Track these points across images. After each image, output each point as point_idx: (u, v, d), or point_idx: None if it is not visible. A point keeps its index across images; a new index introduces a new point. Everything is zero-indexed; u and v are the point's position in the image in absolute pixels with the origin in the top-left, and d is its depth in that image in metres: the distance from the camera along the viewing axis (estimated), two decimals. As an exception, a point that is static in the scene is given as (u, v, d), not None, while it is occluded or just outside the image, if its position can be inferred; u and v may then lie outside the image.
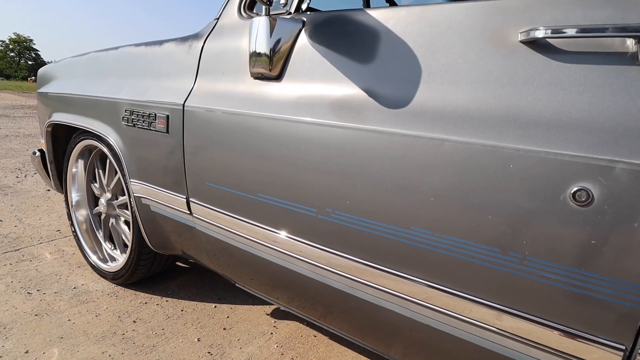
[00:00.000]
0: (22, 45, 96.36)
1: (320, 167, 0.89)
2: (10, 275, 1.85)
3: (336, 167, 0.86)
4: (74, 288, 1.78)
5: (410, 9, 0.83)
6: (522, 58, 0.68)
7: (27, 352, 1.36)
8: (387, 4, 1.59)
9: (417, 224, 0.77)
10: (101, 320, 1.56)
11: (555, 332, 0.67)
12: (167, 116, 1.23)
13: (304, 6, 1.04)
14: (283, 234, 1.00)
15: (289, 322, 1.63)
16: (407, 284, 0.81)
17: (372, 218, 0.83)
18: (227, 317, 1.64)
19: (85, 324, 1.53)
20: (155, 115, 1.26)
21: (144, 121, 1.31)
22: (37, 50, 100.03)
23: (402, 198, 0.78)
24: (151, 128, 1.29)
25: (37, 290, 1.74)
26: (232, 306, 1.73)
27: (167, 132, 1.24)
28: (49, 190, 3.27)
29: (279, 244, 1.02)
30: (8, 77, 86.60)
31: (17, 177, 3.60)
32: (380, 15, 0.87)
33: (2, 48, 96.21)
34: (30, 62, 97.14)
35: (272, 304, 1.75)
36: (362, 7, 1.38)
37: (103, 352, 1.38)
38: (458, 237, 0.73)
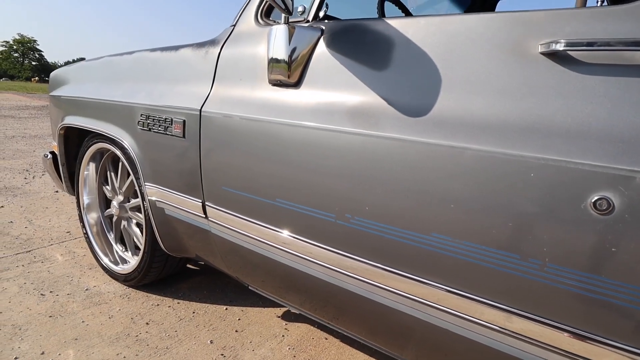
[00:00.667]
0: (26, 46, 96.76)
1: (340, 173, 0.90)
2: (23, 276, 1.87)
3: (356, 173, 0.88)
4: (86, 290, 1.80)
5: (429, 19, 0.85)
6: (543, 69, 0.70)
7: (43, 353, 1.37)
8: (403, 14, 1.61)
9: (437, 230, 0.78)
10: (114, 322, 1.58)
11: (573, 336, 0.68)
12: (184, 121, 1.24)
13: (321, 14, 1.06)
14: (301, 238, 1.02)
15: (299, 324, 1.65)
16: (426, 288, 0.83)
17: (391, 224, 0.84)
18: (239, 319, 1.66)
19: (99, 326, 1.54)
20: (172, 120, 1.28)
21: (159, 126, 1.33)
22: (41, 51, 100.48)
23: (422, 204, 0.79)
24: (167, 133, 1.31)
25: (50, 291, 1.76)
26: (243, 308, 1.74)
27: (184, 136, 1.25)
28: (57, 191, 3.29)
29: (297, 248, 1.04)
30: (12, 78, 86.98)
31: (25, 178, 3.63)
32: (399, 24, 0.88)
33: (5, 49, 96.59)
34: (34, 63, 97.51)
35: (283, 307, 1.76)
36: (377, 16, 1.40)
37: (118, 354, 1.39)
38: (478, 243, 0.74)
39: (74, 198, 3.09)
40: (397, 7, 1.52)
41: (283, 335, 1.57)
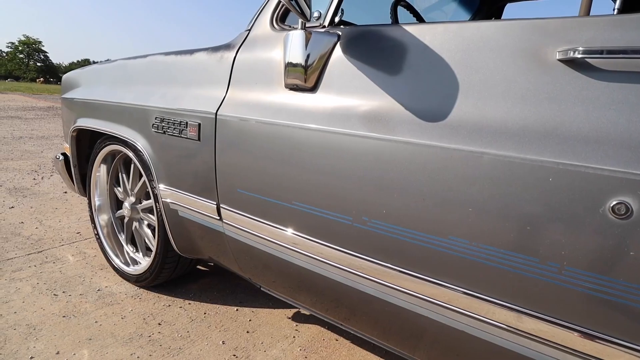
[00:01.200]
0: (31, 47, 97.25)
1: (357, 177, 0.92)
2: (35, 276, 1.89)
3: (373, 177, 0.89)
4: (98, 290, 1.82)
5: (446, 25, 0.86)
6: (561, 76, 0.71)
7: (57, 353, 1.39)
8: (416, 21, 1.62)
9: (454, 233, 0.80)
10: (127, 322, 1.59)
11: (587, 337, 0.69)
12: (199, 124, 1.26)
13: (336, 19, 1.07)
14: (317, 240, 1.03)
15: (310, 325, 1.66)
16: (442, 290, 0.84)
17: (409, 226, 0.85)
18: (249, 320, 1.67)
19: (112, 326, 1.56)
20: (187, 123, 1.30)
21: (174, 128, 1.34)
22: (46, 52, 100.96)
23: (440, 208, 0.81)
24: (182, 135, 1.32)
25: (63, 292, 1.78)
26: (254, 309, 1.76)
27: (199, 139, 1.27)
28: (66, 192, 3.32)
29: (312, 249, 1.05)
30: (17, 79, 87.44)
31: (34, 179, 3.66)
32: (416, 31, 0.90)
33: (11, 50, 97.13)
34: (39, 64, 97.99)
35: (293, 308, 1.78)
36: (390, 21, 1.42)
37: (132, 354, 1.41)
38: (496, 247, 0.75)
39: (82, 199, 3.13)
40: (409, 12, 1.54)
41: (294, 337, 1.58)
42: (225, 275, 2.07)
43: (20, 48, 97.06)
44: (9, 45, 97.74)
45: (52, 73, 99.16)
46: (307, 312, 1.76)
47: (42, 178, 3.71)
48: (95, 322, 1.58)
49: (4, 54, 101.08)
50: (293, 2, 0.92)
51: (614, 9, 1.32)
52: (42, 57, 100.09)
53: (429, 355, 0.97)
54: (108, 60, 2.02)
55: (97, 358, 1.38)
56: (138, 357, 1.40)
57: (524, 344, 0.77)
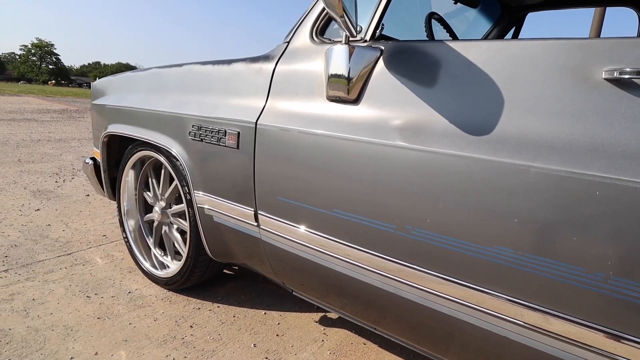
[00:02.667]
0: (44, 50, 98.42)
1: (401, 187, 0.95)
2: (67, 278, 1.94)
3: (417, 187, 0.92)
4: (129, 292, 1.86)
5: (491, 43, 0.89)
6: (607, 94, 0.74)
7: (96, 353, 1.43)
8: (447, 33, 1.66)
9: (500, 242, 0.83)
10: (160, 325, 1.63)
11: (633, 343, 0.72)
12: (238, 133, 1.30)
13: (377, 34, 1.11)
14: (358, 248, 1.07)
15: (337, 329, 1.69)
16: (486, 297, 0.87)
17: (453, 235, 0.89)
18: (278, 323, 1.71)
19: (146, 328, 1.60)
20: (226, 131, 1.34)
21: (212, 136, 1.39)
22: (58, 55, 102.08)
23: (485, 218, 0.84)
24: (220, 143, 1.36)
25: (95, 294, 1.83)
26: (281, 313, 1.79)
27: (237, 147, 1.31)
28: (88, 195, 3.38)
29: (352, 256, 1.08)
30: (29, 81, 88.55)
31: (56, 181, 3.73)
32: (460, 47, 0.93)
33: (24, 52, 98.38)
34: (50, 67, 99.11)
35: (320, 312, 1.81)
36: (425, 35, 1.45)
37: (167, 356, 1.45)
38: (542, 256, 0.78)
39: (104, 202, 3.19)
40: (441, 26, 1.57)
41: (323, 340, 1.61)
42: (250, 278, 2.11)
43: (33, 51, 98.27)
44: (22, 48, 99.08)
45: (63, 76, 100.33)
46: (334, 316, 1.79)
47: (63, 181, 3.78)
48: (129, 323, 1.62)
49: (17, 57, 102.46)
50: (340, 20, 0.95)
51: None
52: (54, 59, 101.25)
53: (461, 357, 1.00)
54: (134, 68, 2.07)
55: (134, 359, 1.42)
56: (173, 358, 1.44)
57: (568, 350, 0.79)
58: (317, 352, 1.54)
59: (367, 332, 1.70)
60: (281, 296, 1.94)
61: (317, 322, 1.74)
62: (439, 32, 1.75)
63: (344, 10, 0.93)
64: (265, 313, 1.79)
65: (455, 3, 1.82)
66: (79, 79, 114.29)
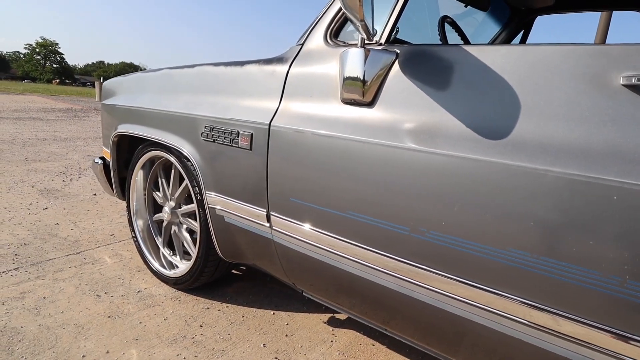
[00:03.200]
0: (48, 49, 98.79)
1: (416, 190, 0.96)
2: (77, 277, 1.95)
3: (432, 190, 0.93)
4: (138, 292, 1.87)
5: (509, 48, 0.90)
6: (625, 100, 0.74)
7: (107, 352, 1.44)
8: (461, 41, 1.67)
9: (514, 245, 0.83)
10: (170, 324, 1.64)
11: None
12: (251, 134, 1.31)
13: (392, 37, 1.12)
14: (370, 249, 1.07)
15: (346, 330, 1.70)
16: (500, 299, 0.87)
17: (467, 238, 0.89)
18: (287, 324, 1.72)
19: (156, 327, 1.61)
20: (239, 132, 1.35)
21: (225, 137, 1.40)
22: (62, 54, 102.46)
23: (501, 221, 0.84)
24: (233, 144, 1.37)
25: (105, 292, 1.84)
26: (290, 314, 1.80)
27: (250, 149, 1.32)
28: (95, 194, 3.39)
29: (365, 257, 1.09)
30: (33, 80, 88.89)
31: (63, 180, 3.74)
32: (477, 51, 0.94)
33: (29, 51, 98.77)
34: (55, 66, 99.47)
35: (328, 313, 1.82)
36: (438, 38, 1.46)
37: (178, 355, 1.46)
38: (557, 259, 0.79)
39: (112, 201, 3.20)
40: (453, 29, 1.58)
41: (332, 341, 1.62)
42: (258, 279, 2.12)
43: (37, 50, 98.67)
44: (27, 47, 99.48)
45: (67, 74, 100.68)
46: (342, 317, 1.80)
47: (70, 180, 3.79)
48: (140, 322, 1.63)
49: (22, 56, 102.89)
50: (359, 23, 0.96)
51: None
52: (58, 58, 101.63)
53: (471, 358, 1.01)
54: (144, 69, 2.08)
55: (145, 358, 1.43)
56: (184, 357, 1.45)
57: (582, 353, 0.80)
58: (326, 352, 1.54)
59: (375, 333, 1.71)
60: (289, 296, 1.95)
61: (325, 322, 1.75)
62: (448, 34, 1.76)
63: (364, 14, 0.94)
64: (273, 313, 1.80)
65: (465, 6, 1.82)
66: (83, 78, 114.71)
